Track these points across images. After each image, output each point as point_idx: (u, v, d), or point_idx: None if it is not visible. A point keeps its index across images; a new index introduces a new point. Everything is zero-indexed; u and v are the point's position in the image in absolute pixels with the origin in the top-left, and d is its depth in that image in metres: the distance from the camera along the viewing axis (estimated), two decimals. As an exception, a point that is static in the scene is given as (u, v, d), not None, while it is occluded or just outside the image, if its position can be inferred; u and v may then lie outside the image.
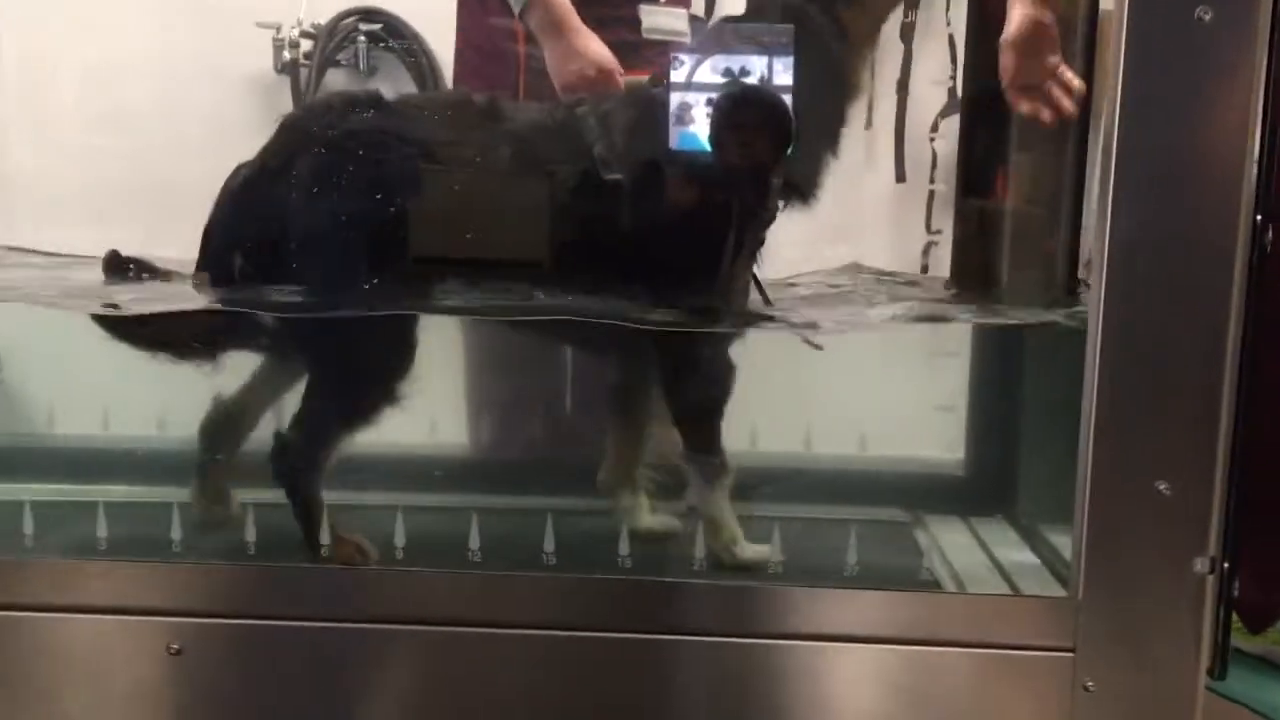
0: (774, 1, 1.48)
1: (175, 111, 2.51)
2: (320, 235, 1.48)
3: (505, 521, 1.47)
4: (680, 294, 1.45)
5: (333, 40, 2.59)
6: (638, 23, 1.80)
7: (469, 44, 1.89)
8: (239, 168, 1.55)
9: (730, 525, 1.49)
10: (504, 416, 1.91)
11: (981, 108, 1.74)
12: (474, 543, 1.37)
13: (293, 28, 2.57)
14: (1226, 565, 1.20)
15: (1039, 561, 1.50)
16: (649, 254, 1.47)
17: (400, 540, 1.36)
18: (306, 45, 2.58)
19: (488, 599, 1.27)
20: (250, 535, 1.39)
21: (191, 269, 1.55)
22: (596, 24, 1.72)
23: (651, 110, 1.48)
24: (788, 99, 1.42)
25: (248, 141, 2.58)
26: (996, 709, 1.26)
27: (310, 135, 1.54)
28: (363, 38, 2.58)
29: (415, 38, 2.60)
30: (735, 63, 1.46)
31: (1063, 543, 1.48)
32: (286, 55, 2.59)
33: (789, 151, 1.45)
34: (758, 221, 1.50)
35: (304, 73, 2.58)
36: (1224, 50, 1.13)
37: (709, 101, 1.44)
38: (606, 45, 1.68)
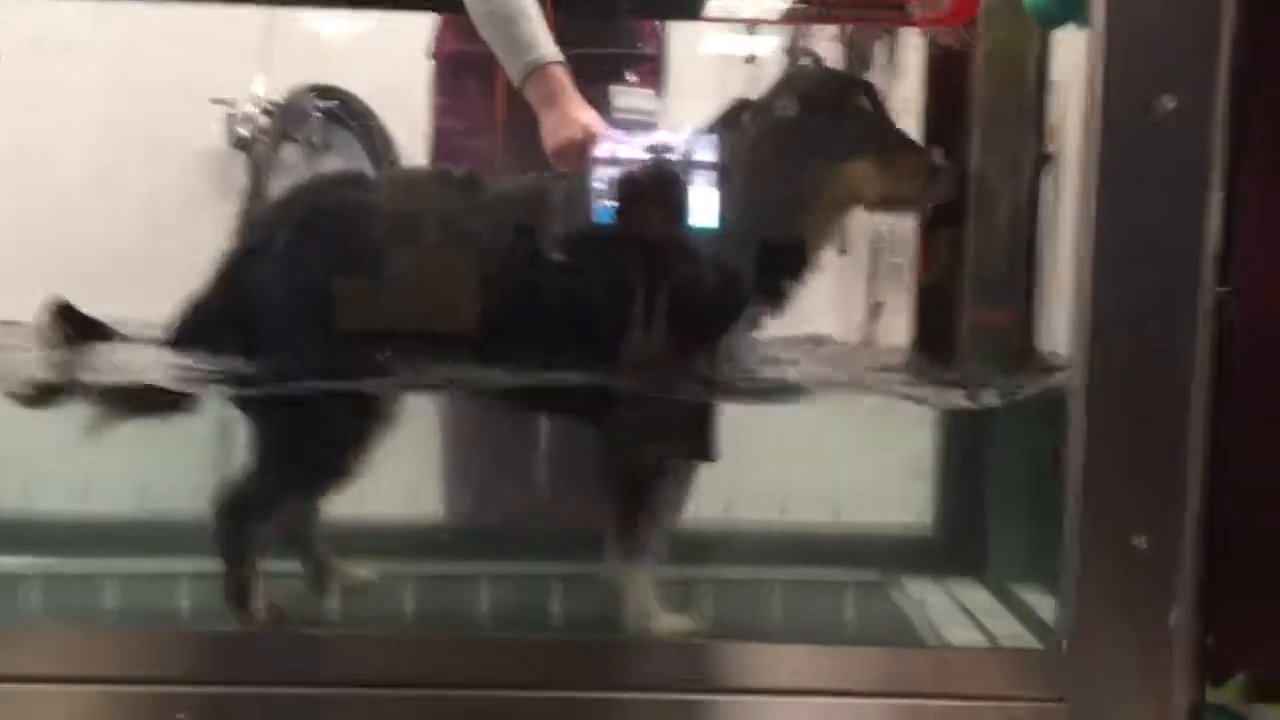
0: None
1: (130, 184, 2.52)
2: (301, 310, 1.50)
3: (508, 587, 1.49)
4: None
5: (289, 116, 2.63)
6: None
7: (445, 123, 1.93)
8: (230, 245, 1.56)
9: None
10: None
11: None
12: (483, 608, 1.39)
13: (248, 104, 2.60)
14: (1199, 616, 1.27)
15: (1013, 617, 1.56)
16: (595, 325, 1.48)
17: (410, 606, 1.37)
18: (263, 121, 2.62)
19: (497, 662, 1.29)
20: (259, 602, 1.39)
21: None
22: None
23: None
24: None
25: (200, 214, 2.61)
26: (989, 759, 1.31)
27: (301, 212, 1.58)
28: (318, 114, 2.63)
29: (370, 115, 2.65)
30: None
31: (1035, 600, 1.55)
32: (242, 131, 2.62)
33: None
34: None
35: (259, 148, 2.61)
36: (1187, 135, 1.23)
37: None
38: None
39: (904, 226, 2.33)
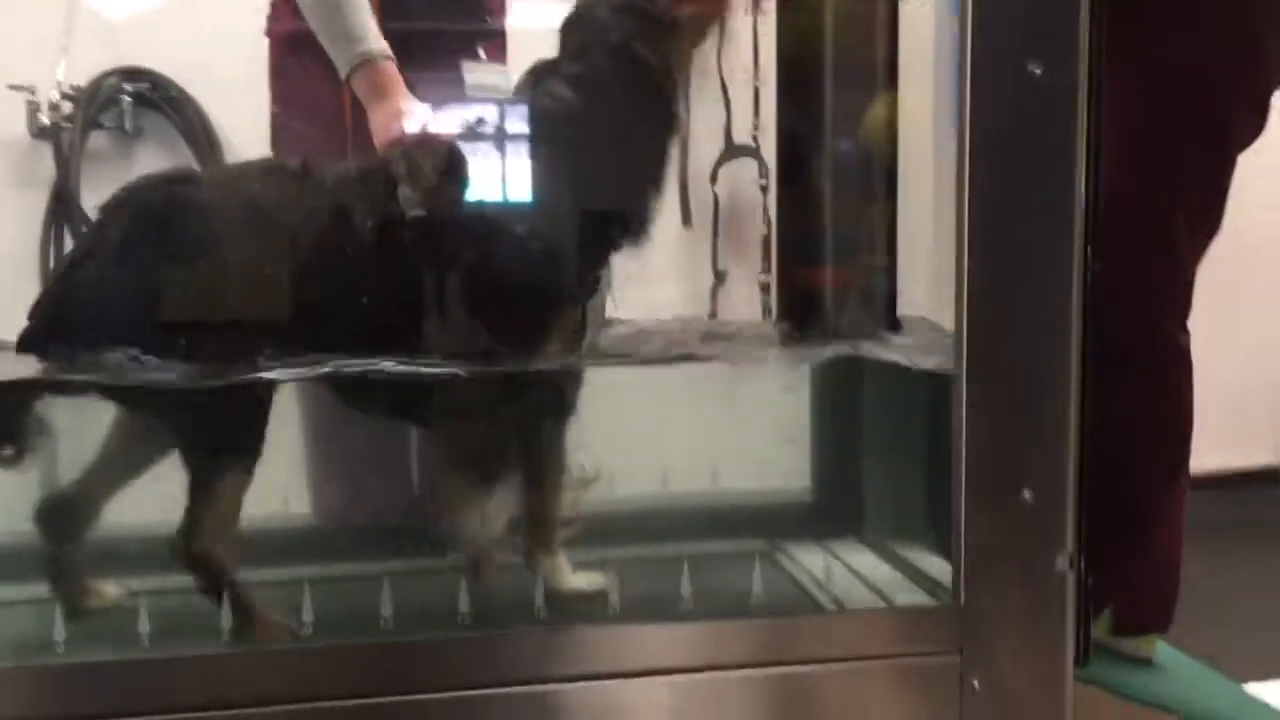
0: (596, 42, 1.51)
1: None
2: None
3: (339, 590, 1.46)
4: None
5: (95, 102, 2.47)
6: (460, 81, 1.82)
7: (285, 107, 1.84)
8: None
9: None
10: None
11: (795, 153, 1.86)
12: (307, 616, 1.36)
13: (51, 90, 2.44)
14: (1082, 560, 1.33)
15: (899, 574, 1.60)
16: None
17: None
18: (67, 108, 2.45)
19: (324, 672, 1.26)
20: (59, 634, 1.31)
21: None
22: (420, 84, 1.74)
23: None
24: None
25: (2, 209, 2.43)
26: (894, 716, 1.34)
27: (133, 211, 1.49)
28: (127, 98, 2.48)
29: (186, 98, 2.51)
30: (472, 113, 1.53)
31: (913, 554, 1.59)
32: (45, 119, 2.45)
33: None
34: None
35: (65, 137, 2.45)
36: (1053, 100, 1.27)
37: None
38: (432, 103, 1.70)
39: (751, 195, 2.36)
